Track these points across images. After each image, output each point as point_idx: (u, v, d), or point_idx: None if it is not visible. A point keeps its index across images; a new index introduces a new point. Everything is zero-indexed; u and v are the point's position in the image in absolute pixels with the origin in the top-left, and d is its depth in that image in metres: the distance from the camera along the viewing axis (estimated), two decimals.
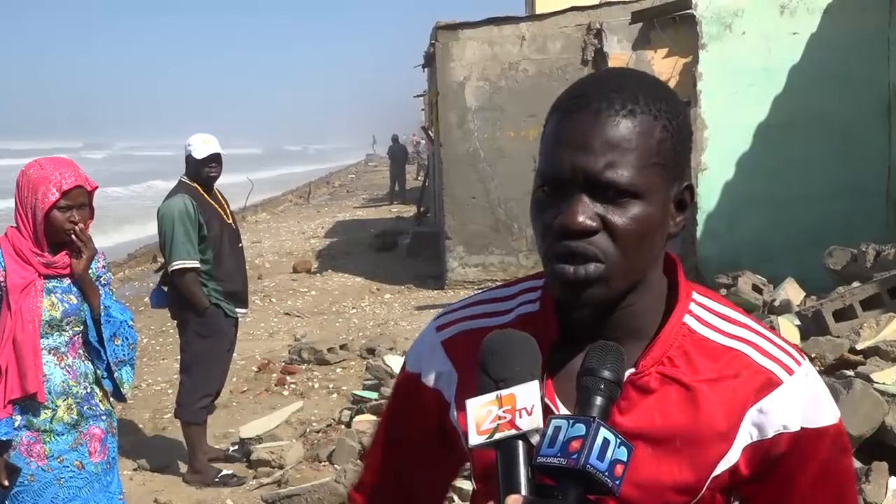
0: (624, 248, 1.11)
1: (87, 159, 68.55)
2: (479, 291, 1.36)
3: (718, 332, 1.19)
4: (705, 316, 1.21)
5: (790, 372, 1.17)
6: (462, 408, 1.19)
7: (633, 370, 1.15)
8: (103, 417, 3.29)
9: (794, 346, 1.22)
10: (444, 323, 1.31)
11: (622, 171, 1.09)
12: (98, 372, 3.27)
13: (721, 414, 1.15)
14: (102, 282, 3.33)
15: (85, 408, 3.21)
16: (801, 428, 1.15)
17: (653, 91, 1.15)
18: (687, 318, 1.20)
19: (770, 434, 1.15)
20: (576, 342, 1.17)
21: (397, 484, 1.37)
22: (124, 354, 3.28)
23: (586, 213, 1.10)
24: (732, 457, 1.15)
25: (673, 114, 1.14)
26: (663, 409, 1.11)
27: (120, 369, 3.29)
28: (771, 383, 1.16)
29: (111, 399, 3.36)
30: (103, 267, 3.36)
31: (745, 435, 1.15)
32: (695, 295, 1.23)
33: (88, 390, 3.23)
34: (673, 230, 1.17)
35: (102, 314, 3.22)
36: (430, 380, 1.29)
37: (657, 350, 1.16)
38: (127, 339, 3.29)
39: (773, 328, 1.27)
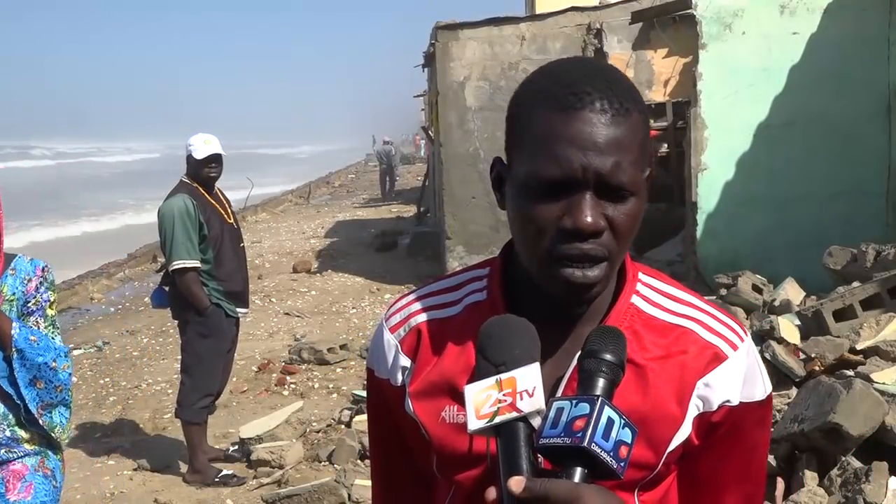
0: (622, 243, 1.13)
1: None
2: (424, 284, 1.36)
3: (665, 310, 1.22)
4: (652, 295, 1.24)
5: (734, 347, 1.21)
6: (416, 397, 1.24)
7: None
8: (31, 455, 2.83)
9: (736, 320, 1.25)
10: (397, 322, 1.31)
11: (628, 171, 1.10)
12: (21, 416, 2.79)
13: (671, 390, 1.17)
14: (31, 307, 2.79)
15: (2, 451, 2.77)
16: (740, 402, 1.20)
17: (631, 85, 1.16)
18: (634, 299, 1.22)
19: (714, 407, 1.19)
20: None
21: (406, 478, 1.37)
22: (52, 398, 2.79)
23: (597, 213, 1.10)
24: (685, 430, 1.18)
25: (644, 108, 1.16)
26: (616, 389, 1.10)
27: (49, 413, 2.80)
28: (717, 358, 1.19)
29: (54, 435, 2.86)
30: (37, 287, 2.79)
31: (694, 408, 1.18)
32: (641, 275, 1.25)
33: (8, 433, 2.78)
34: None
35: (15, 357, 2.69)
36: (390, 377, 1.30)
37: None
38: (50, 381, 2.77)
39: (717, 304, 1.30)
